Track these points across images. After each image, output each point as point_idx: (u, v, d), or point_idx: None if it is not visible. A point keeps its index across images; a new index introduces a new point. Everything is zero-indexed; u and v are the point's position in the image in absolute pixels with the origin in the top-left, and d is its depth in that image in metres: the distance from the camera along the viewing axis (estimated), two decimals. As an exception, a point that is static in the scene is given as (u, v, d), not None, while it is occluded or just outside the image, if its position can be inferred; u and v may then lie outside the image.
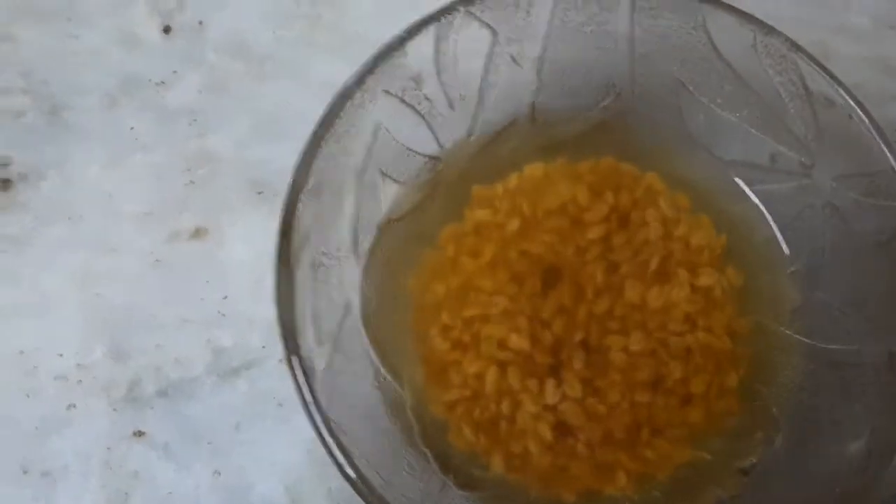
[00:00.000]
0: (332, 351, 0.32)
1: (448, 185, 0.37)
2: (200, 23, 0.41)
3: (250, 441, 0.36)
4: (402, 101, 0.34)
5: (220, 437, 0.36)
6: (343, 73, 0.41)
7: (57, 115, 0.40)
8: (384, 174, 0.35)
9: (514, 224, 0.36)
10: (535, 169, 0.37)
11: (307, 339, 0.30)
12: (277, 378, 0.37)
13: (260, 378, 0.37)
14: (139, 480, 0.35)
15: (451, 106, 0.36)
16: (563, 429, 0.34)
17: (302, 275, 0.31)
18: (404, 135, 0.35)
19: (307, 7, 0.42)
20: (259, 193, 0.39)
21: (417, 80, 0.34)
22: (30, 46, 0.40)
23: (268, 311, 0.37)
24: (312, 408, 0.29)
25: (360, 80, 0.32)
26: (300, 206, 0.30)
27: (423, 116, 0.35)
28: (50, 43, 0.40)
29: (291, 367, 0.29)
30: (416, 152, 0.36)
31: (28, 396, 0.36)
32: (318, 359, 0.30)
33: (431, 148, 0.36)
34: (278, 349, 0.36)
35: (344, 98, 0.31)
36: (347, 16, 0.42)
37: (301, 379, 0.29)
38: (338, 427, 0.29)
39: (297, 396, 0.29)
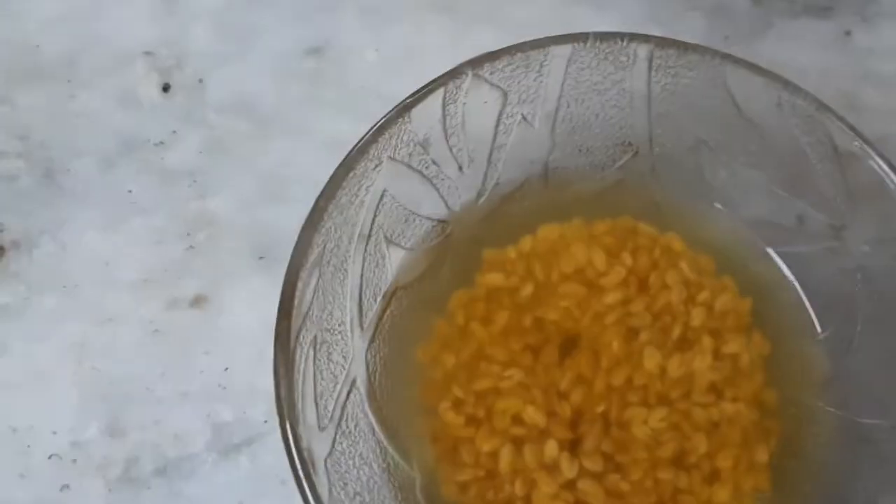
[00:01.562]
0: (336, 434, 0.30)
1: (458, 250, 0.35)
2: (200, 80, 0.40)
3: (253, 522, 0.34)
4: (409, 166, 0.33)
5: (221, 518, 0.34)
6: (348, 129, 0.39)
7: (52, 178, 0.38)
8: (390, 241, 0.33)
9: (527, 289, 0.35)
10: (549, 231, 0.36)
11: (309, 425, 0.28)
12: (280, 454, 0.35)
13: (262, 454, 0.35)
14: (135, 565, 0.34)
15: (459, 168, 0.34)
16: (582, 510, 0.32)
17: (302, 355, 0.29)
18: (411, 199, 0.33)
19: (310, 63, 0.41)
20: (261, 259, 0.38)
21: (424, 145, 0.32)
22: (27, 109, 0.39)
23: (270, 382, 0.35)
24: (311, 501, 0.27)
25: (363, 150, 0.30)
26: (300, 284, 0.29)
27: (430, 181, 0.34)
28: (48, 105, 0.39)
29: (292, 462, 0.27)
30: (424, 217, 0.34)
31: (22, 477, 0.34)
32: (321, 445, 0.29)
33: (440, 212, 0.35)
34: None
35: (347, 168, 0.30)
36: (350, 70, 0.41)
37: (302, 477, 0.27)
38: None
39: (298, 491, 0.27)
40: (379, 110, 0.39)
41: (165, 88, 0.40)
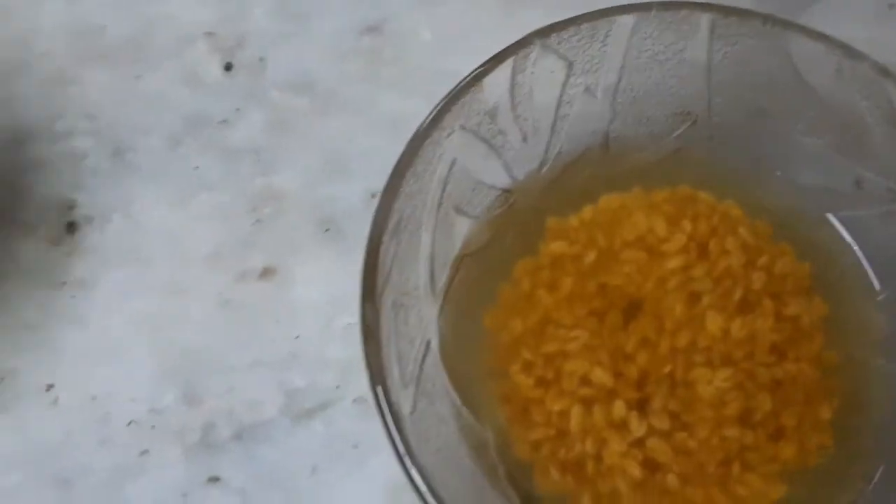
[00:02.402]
0: (416, 393, 0.31)
1: (521, 219, 0.36)
2: (261, 59, 0.41)
3: (327, 484, 0.35)
4: (477, 135, 0.33)
5: (297, 480, 0.35)
6: (406, 106, 0.40)
7: (121, 156, 0.39)
8: (458, 210, 0.34)
9: (591, 256, 0.35)
10: (610, 200, 0.37)
11: (394, 382, 0.29)
12: (352, 419, 0.36)
13: (334, 419, 0.36)
14: (216, 527, 0.35)
15: (524, 138, 0.35)
16: (651, 466, 0.33)
17: (385, 317, 0.30)
18: (477, 169, 0.34)
19: (368, 41, 0.42)
20: (326, 231, 0.39)
21: (492, 114, 0.33)
22: (95, 89, 0.40)
23: (340, 351, 0.37)
24: (404, 454, 0.28)
25: (438, 118, 0.31)
26: (382, 247, 0.30)
27: (496, 150, 0.34)
28: (115, 85, 0.40)
29: (382, 413, 0.28)
30: (489, 186, 0.35)
31: (102, 444, 0.35)
32: (405, 402, 0.30)
33: (504, 181, 0.36)
34: (352, 389, 0.36)
35: (423, 136, 0.31)
36: (408, 49, 0.42)
37: (392, 426, 0.28)
38: (427, 472, 0.28)
39: (388, 442, 0.28)
40: (435, 87, 0.40)
41: (227, 68, 0.41)
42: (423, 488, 0.27)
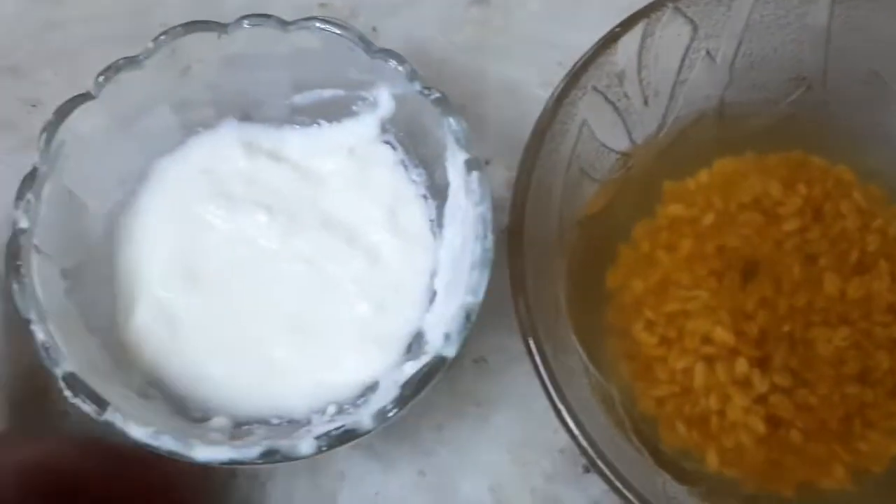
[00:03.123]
0: (555, 347, 0.32)
1: (639, 182, 0.37)
2: (374, 29, 0.42)
3: (452, 441, 0.36)
4: (606, 98, 0.34)
5: (424, 437, 0.36)
6: (519, 75, 0.41)
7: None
8: (583, 171, 0.35)
9: (708, 218, 0.36)
10: (725, 164, 0.37)
11: (539, 331, 0.30)
12: (473, 378, 0.37)
13: (457, 378, 0.37)
14: (346, 481, 0.36)
15: (645, 102, 0.36)
16: (775, 421, 0.34)
17: (528, 272, 0.31)
18: (602, 131, 0.35)
19: (476, 11, 0.42)
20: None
21: (620, 77, 0.34)
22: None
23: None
24: (555, 394, 0.29)
25: (576, 77, 0.32)
26: (528, 204, 0.30)
27: (620, 113, 0.35)
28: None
29: (533, 358, 0.29)
30: (611, 149, 0.36)
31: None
32: (548, 352, 0.30)
33: (624, 144, 0.36)
34: (471, 349, 0.37)
35: (563, 95, 0.32)
36: (515, 18, 0.42)
37: (543, 369, 0.29)
38: (576, 415, 0.29)
39: (541, 387, 0.29)
40: (545, 57, 0.41)
41: (341, 37, 0.42)
42: (575, 429, 0.28)
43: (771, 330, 0.35)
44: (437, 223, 0.36)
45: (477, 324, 0.31)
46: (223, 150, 0.36)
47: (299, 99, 0.37)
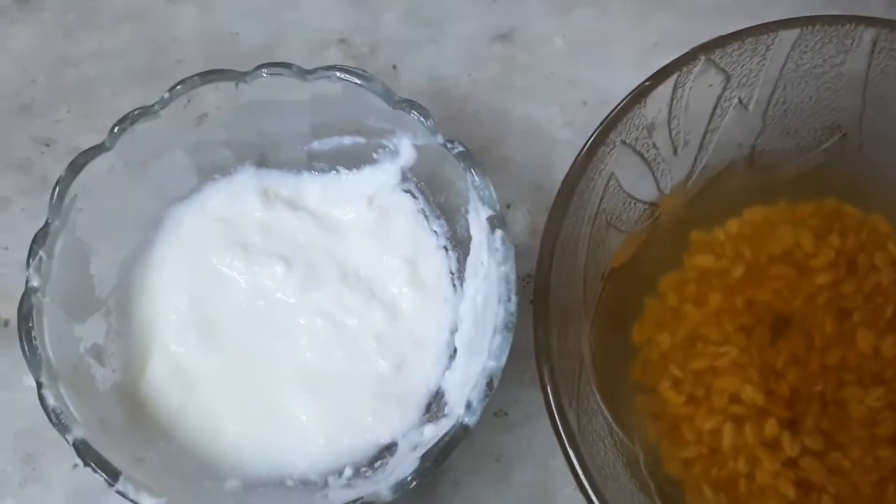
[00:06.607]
0: (578, 410, 0.31)
1: (666, 232, 0.36)
2: (394, 67, 0.41)
3: (471, 498, 0.35)
4: (634, 150, 0.33)
5: (442, 494, 0.35)
6: (540, 113, 0.40)
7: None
8: (609, 223, 0.34)
9: (738, 271, 0.35)
10: (755, 213, 0.36)
11: (563, 399, 0.29)
12: (493, 432, 0.36)
13: (476, 431, 0.36)
14: (363, 538, 0.35)
15: (674, 151, 0.35)
16: (805, 486, 0.33)
17: (553, 335, 0.30)
18: (629, 183, 0.34)
19: (499, 48, 0.41)
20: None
21: (650, 128, 0.33)
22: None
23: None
24: (580, 469, 0.28)
25: (604, 133, 0.31)
26: (554, 266, 0.30)
27: (649, 164, 0.34)
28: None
29: (558, 431, 0.28)
30: (638, 199, 0.35)
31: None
32: (572, 420, 0.30)
33: (652, 194, 0.35)
34: (492, 402, 0.36)
35: (591, 152, 0.31)
36: (540, 55, 0.41)
37: (568, 444, 0.28)
38: (600, 490, 0.28)
39: (565, 460, 0.28)
40: (569, 96, 0.40)
41: (360, 75, 0.41)
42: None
43: (802, 389, 0.34)
44: (458, 276, 0.35)
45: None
46: (240, 197, 0.35)
47: (318, 145, 0.36)
